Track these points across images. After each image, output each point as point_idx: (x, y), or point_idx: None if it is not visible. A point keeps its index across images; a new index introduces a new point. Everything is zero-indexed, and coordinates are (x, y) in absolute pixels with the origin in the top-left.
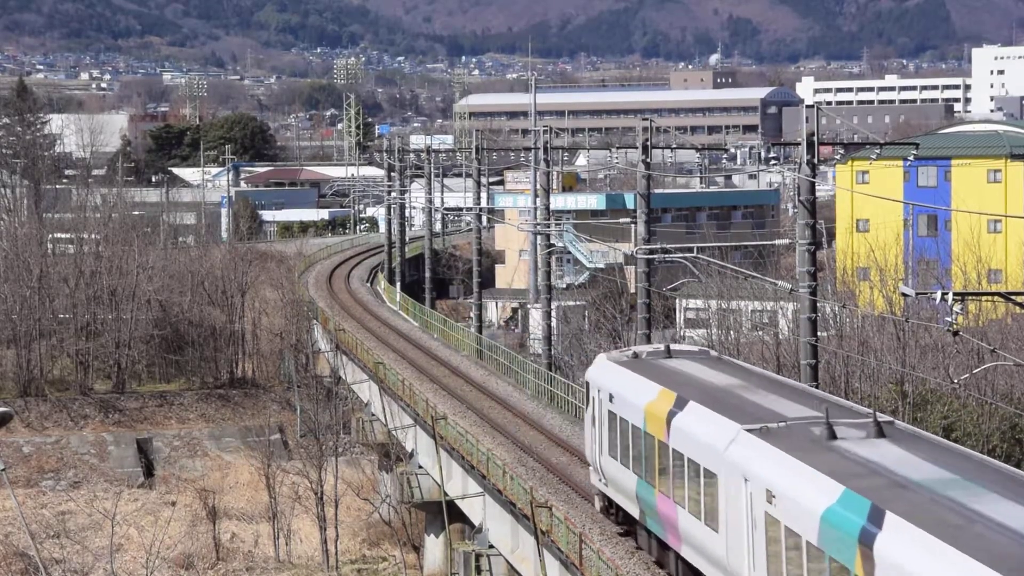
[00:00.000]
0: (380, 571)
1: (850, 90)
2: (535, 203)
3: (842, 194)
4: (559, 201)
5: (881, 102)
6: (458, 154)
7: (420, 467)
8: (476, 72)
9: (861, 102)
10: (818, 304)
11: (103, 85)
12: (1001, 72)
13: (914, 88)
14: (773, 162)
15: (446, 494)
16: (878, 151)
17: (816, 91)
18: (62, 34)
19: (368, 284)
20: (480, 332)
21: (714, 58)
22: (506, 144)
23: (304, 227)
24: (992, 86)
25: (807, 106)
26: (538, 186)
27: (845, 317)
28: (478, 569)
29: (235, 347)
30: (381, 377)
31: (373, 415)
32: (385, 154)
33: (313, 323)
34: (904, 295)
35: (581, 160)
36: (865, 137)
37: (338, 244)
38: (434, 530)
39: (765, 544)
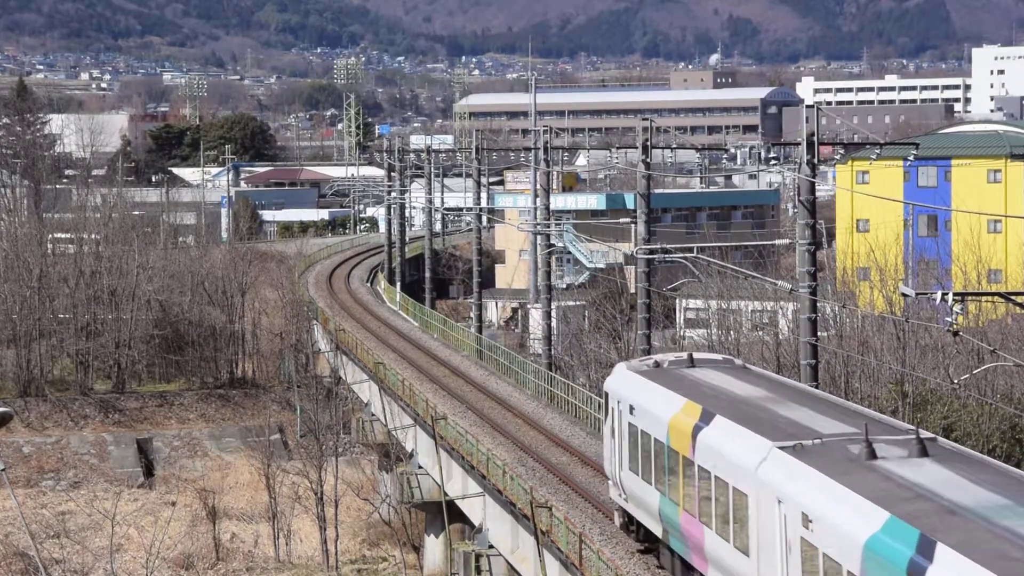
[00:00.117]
0: (380, 571)
1: (850, 90)
2: (535, 203)
3: (842, 194)
4: (559, 201)
5: (881, 102)
6: (458, 154)
7: (420, 467)
8: (476, 72)
9: (861, 102)
10: (818, 304)
11: (103, 85)
12: (1001, 72)
13: (914, 88)
14: (773, 162)
15: (446, 494)
16: (878, 151)
17: (816, 91)
18: (62, 34)
19: (368, 284)
20: (480, 332)
21: (714, 58)
22: (506, 144)
23: (304, 227)
24: (992, 86)
25: (807, 106)
26: (538, 186)
27: (845, 317)
28: (478, 569)
29: (235, 347)
30: (381, 377)
31: (373, 415)
32: (385, 154)
33: (313, 323)
34: (904, 295)
35: (581, 160)
36: (865, 137)
37: (338, 244)
38: (434, 530)
39: (801, 572)
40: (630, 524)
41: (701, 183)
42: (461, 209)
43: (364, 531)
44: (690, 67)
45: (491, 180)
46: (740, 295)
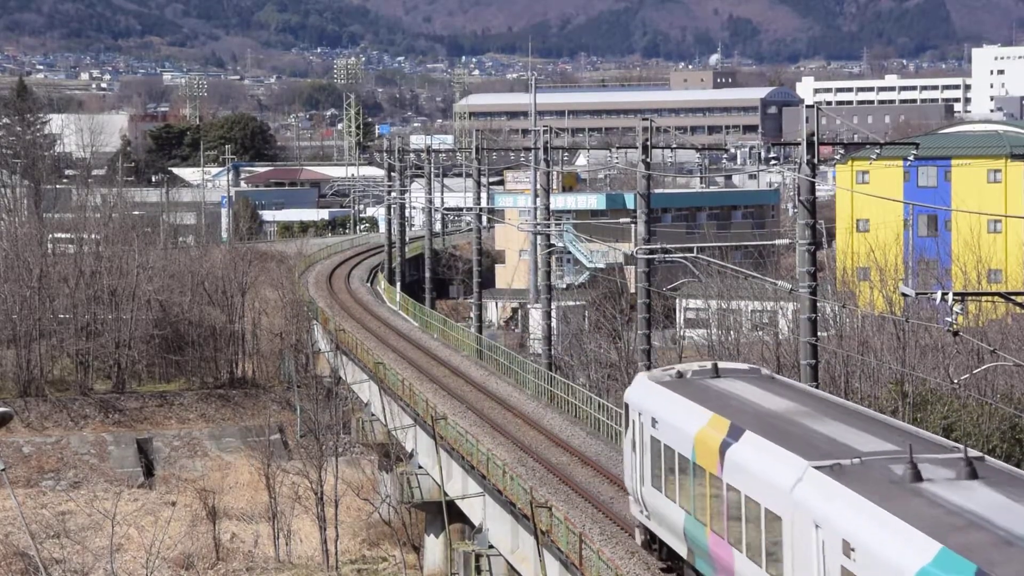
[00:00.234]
0: (380, 571)
1: (850, 90)
2: (535, 203)
3: (842, 194)
4: (559, 201)
5: (881, 102)
6: (458, 154)
7: (420, 467)
8: (476, 72)
9: (861, 102)
10: (818, 304)
11: (103, 85)
12: (1001, 72)
13: (914, 88)
14: (773, 162)
15: (446, 494)
16: (878, 151)
17: (816, 91)
18: (62, 34)
19: (368, 284)
20: (480, 332)
21: (714, 58)
22: (506, 144)
23: (304, 227)
24: (992, 86)
25: (807, 106)
26: (538, 186)
27: (845, 317)
28: (478, 569)
29: (235, 347)
30: (381, 377)
31: (373, 415)
32: (385, 154)
33: (313, 323)
34: (904, 295)
35: (581, 160)
36: (865, 137)
37: (338, 244)
38: (434, 530)
39: None
40: (652, 542)
41: (701, 183)
42: (461, 209)
43: (364, 531)
44: (690, 67)
45: (491, 180)
46: (740, 295)
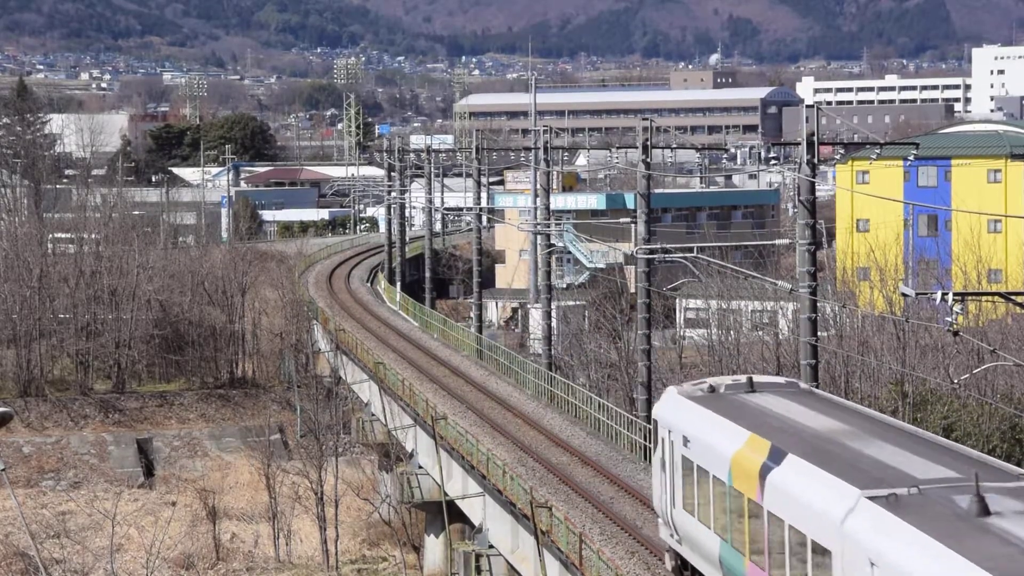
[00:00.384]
0: (380, 571)
1: (850, 90)
2: (535, 203)
3: (842, 194)
4: (559, 201)
5: (881, 102)
6: (458, 154)
7: (420, 467)
8: (476, 72)
9: (861, 102)
10: (818, 304)
11: (103, 85)
12: (1001, 72)
13: (914, 88)
14: (773, 162)
15: (446, 494)
16: (878, 151)
17: (816, 91)
18: (62, 34)
19: (368, 284)
20: (480, 332)
21: (714, 58)
22: (506, 144)
23: (304, 227)
24: (992, 86)
25: (807, 106)
26: (538, 186)
27: (845, 317)
28: (478, 569)
29: (235, 347)
30: (381, 377)
31: (373, 415)
32: (385, 154)
33: (313, 323)
34: (904, 295)
35: (581, 160)
36: (865, 137)
37: (338, 244)
38: (434, 530)
39: None
40: (683, 569)
41: (701, 183)
42: (461, 209)
43: (364, 531)
44: (690, 67)
45: (491, 180)
46: (740, 295)
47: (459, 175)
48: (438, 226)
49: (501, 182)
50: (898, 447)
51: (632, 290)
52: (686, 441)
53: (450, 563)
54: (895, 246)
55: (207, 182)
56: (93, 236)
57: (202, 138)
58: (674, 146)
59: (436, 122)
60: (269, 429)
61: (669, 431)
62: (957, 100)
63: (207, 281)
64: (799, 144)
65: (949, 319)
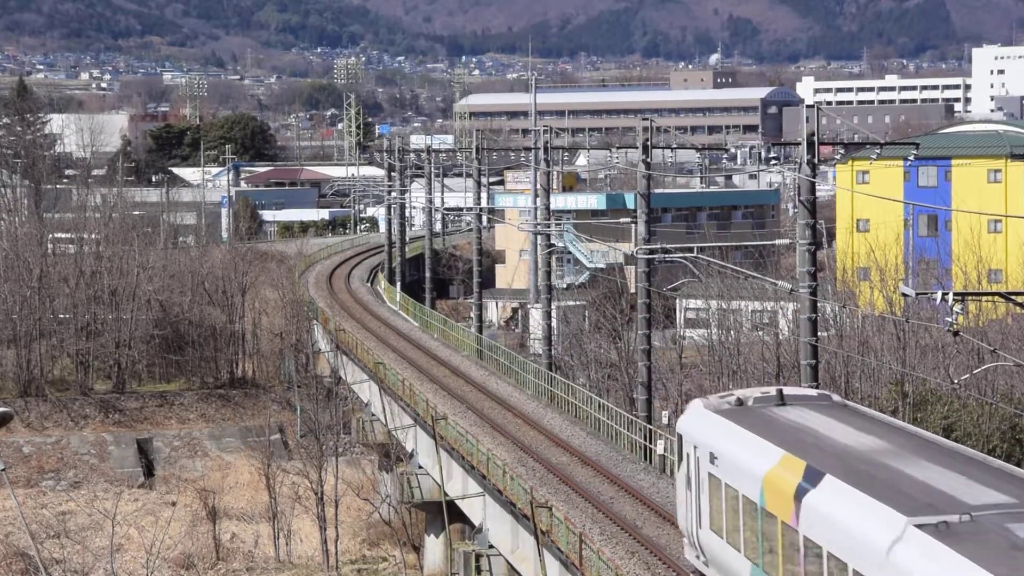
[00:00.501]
0: (380, 571)
1: (850, 90)
2: (535, 203)
3: (842, 194)
4: (559, 201)
5: (881, 102)
6: (458, 154)
7: (420, 467)
8: (476, 72)
9: (861, 102)
10: (818, 304)
11: (103, 85)
12: (1001, 72)
13: (914, 88)
14: (773, 162)
15: (446, 494)
16: (878, 151)
17: (816, 91)
18: (62, 34)
19: (368, 284)
20: (480, 332)
21: (714, 58)
22: (506, 144)
23: (304, 227)
24: (992, 86)
25: (807, 106)
26: (538, 186)
27: (845, 317)
28: (478, 569)
29: (235, 347)
30: (381, 377)
31: (373, 415)
32: (385, 154)
33: (313, 323)
34: (904, 295)
35: (581, 160)
36: (865, 137)
37: (338, 244)
38: (434, 530)
39: None
40: None
41: (701, 183)
42: (461, 209)
43: (364, 531)
44: (690, 67)
45: (491, 180)
46: (740, 295)
47: (459, 175)
48: (438, 226)
49: (501, 182)
50: (945, 468)
51: (632, 290)
52: (713, 458)
53: (450, 563)
54: (895, 246)
55: (207, 182)
56: (93, 236)
57: (202, 138)
58: (674, 146)
59: (436, 122)
60: (269, 429)
61: (695, 447)
62: (957, 100)
63: (207, 281)
64: (799, 144)
65: (949, 319)
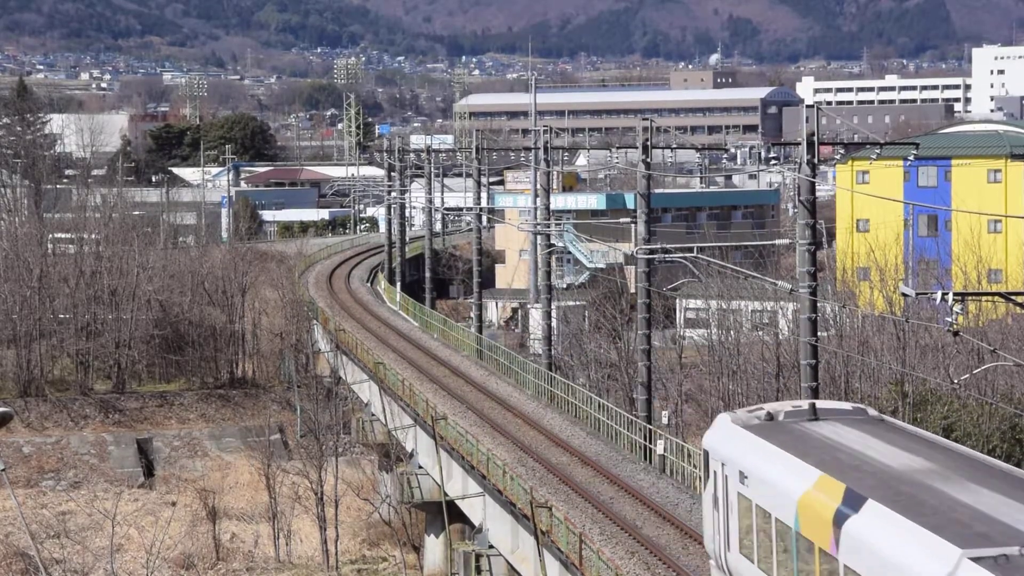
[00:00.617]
0: (380, 571)
1: (850, 90)
2: (535, 203)
3: (842, 194)
4: (559, 201)
5: (881, 102)
6: (458, 154)
7: (420, 467)
8: (476, 72)
9: (861, 102)
10: (818, 304)
11: (103, 85)
12: (1001, 72)
13: (914, 88)
14: (773, 162)
15: (446, 494)
16: (878, 151)
17: (816, 91)
18: (62, 34)
19: (368, 284)
20: (480, 332)
21: (714, 58)
22: (506, 144)
23: (304, 227)
24: (992, 86)
25: (807, 106)
26: (538, 186)
27: (845, 317)
28: (478, 569)
29: (235, 347)
30: (381, 377)
31: (373, 415)
32: (385, 154)
33: (313, 323)
34: (904, 295)
35: (581, 160)
36: (865, 137)
37: (338, 244)
38: (434, 530)
39: None
40: None
41: (701, 183)
42: (461, 209)
43: (364, 531)
44: (690, 67)
45: (491, 180)
46: (740, 295)
47: (459, 175)
48: (438, 226)
49: (501, 182)
50: (998, 492)
51: (632, 290)
52: (743, 477)
53: (450, 563)
54: (895, 246)
55: (207, 182)
56: (93, 236)
57: (202, 138)
58: (674, 146)
59: (436, 122)
60: (269, 429)
61: (723, 464)
62: (957, 100)
63: (207, 281)
64: (799, 144)
65: (949, 319)
